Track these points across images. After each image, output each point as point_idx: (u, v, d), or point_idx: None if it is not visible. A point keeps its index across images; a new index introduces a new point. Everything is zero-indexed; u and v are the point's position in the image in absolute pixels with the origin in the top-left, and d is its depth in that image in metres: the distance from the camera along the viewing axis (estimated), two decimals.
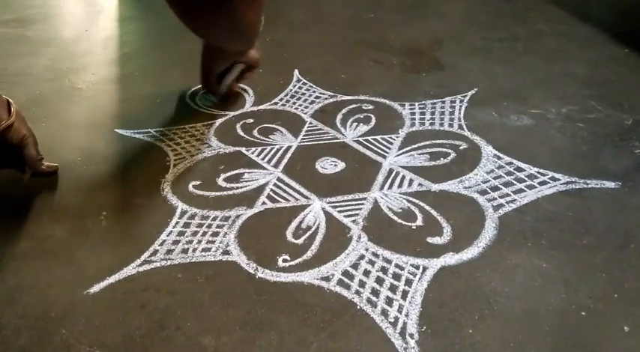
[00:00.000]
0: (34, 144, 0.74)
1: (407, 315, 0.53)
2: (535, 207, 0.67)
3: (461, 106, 0.91)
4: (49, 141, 0.81)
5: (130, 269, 0.60)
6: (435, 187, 0.71)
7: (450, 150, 0.79)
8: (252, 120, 0.89)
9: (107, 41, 1.25)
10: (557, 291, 0.55)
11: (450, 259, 0.60)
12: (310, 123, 0.88)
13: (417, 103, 0.93)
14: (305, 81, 1.02)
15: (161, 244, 0.63)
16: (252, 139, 0.84)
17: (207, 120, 0.90)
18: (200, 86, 0.99)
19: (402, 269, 0.58)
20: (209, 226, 0.66)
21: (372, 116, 0.89)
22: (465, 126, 0.85)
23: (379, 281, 0.57)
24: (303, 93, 0.97)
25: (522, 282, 0.57)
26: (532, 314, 0.53)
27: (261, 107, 0.94)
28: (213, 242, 0.63)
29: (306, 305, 0.55)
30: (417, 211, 0.67)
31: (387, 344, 0.50)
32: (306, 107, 0.93)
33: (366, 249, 0.61)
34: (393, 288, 0.56)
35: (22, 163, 0.73)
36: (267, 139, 0.84)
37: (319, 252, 0.61)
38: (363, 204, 0.69)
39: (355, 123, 0.87)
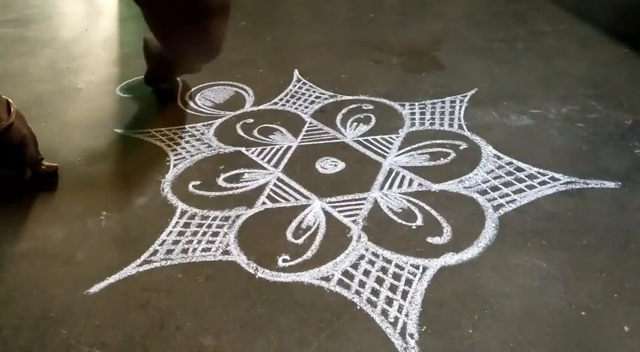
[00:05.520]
0: (34, 144, 0.74)
1: (407, 315, 0.53)
2: (535, 207, 0.67)
3: (461, 106, 0.91)
4: (49, 141, 0.81)
5: (130, 269, 0.60)
6: (435, 187, 0.71)
7: (450, 150, 0.79)
8: (252, 120, 0.89)
9: (107, 41, 1.25)
10: (557, 291, 0.55)
11: (450, 259, 0.60)
12: (310, 123, 0.88)
13: (417, 103, 0.93)
14: (305, 81, 1.02)
15: (161, 244, 0.63)
16: (252, 139, 0.84)
17: (207, 120, 0.90)
18: (199, 86, 1.00)
19: (402, 269, 0.58)
20: (209, 226, 0.66)
21: (372, 116, 0.89)
22: (465, 126, 0.85)
23: (379, 281, 0.57)
24: (303, 93, 0.97)
25: (522, 282, 0.57)
26: (532, 314, 0.53)
27: (261, 107, 0.94)
28: (213, 242, 0.63)
29: (306, 305, 0.55)
30: (417, 211, 0.67)
31: (387, 344, 0.50)
32: (306, 107, 0.93)
33: (366, 249, 0.61)
34: (393, 288, 0.56)
35: (22, 163, 0.73)
36: (267, 139, 0.84)
37: (319, 252, 0.61)
38: (363, 204, 0.69)
39: (355, 123, 0.87)
